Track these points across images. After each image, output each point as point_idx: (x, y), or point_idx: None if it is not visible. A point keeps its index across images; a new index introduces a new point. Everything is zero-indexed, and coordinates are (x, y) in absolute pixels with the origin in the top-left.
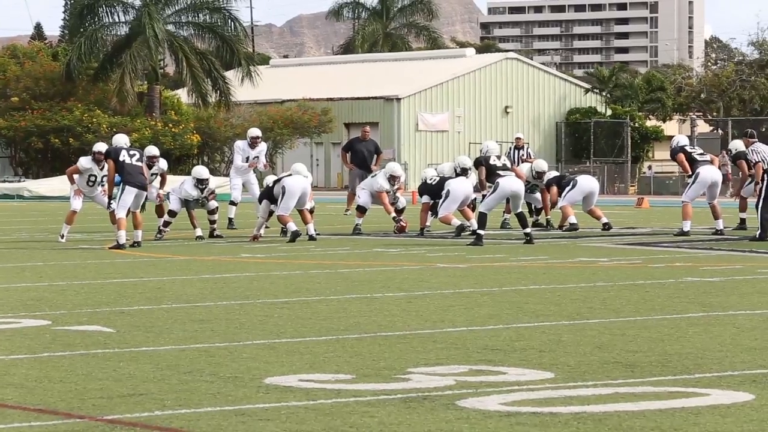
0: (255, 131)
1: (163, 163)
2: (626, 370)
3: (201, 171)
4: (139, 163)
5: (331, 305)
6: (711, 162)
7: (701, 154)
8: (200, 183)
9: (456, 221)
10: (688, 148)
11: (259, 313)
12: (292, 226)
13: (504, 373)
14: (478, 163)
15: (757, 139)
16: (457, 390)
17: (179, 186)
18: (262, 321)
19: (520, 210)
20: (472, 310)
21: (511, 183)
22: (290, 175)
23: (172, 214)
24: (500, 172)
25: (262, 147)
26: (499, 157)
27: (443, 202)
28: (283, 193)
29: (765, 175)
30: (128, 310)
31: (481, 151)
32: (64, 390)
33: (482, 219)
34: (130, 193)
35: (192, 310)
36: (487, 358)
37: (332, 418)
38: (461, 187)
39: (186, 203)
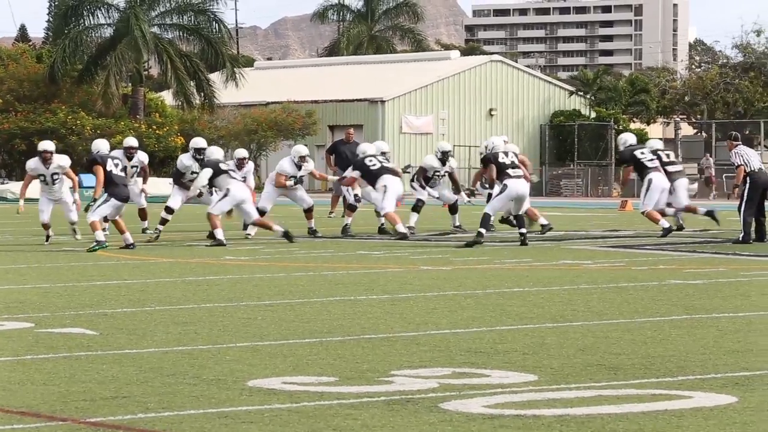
0: (242, 152)
1: (142, 156)
2: (609, 373)
3: (199, 141)
4: (123, 173)
5: (315, 308)
6: (658, 169)
7: (651, 159)
8: (198, 153)
9: (400, 226)
10: (638, 154)
11: (242, 315)
12: (218, 233)
13: (487, 375)
14: (486, 161)
15: (740, 142)
16: (440, 392)
17: (177, 162)
18: (245, 323)
19: (520, 213)
20: (456, 312)
21: (518, 186)
22: (243, 179)
23: (170, 210)
24: (509, 171)
25: (249, 167)
26: (506, 154)
27: (383, 197)
28: (225, 195)
29: (747, 178)
30: (111, 312)
31: (486, 147)
32: (47, 392)
33: (486, 219)
34: (113, 206)
35: (175, 313)
36: (471, 361)
37: (315, 421)
38: (396, 183)
39: (181, 187)
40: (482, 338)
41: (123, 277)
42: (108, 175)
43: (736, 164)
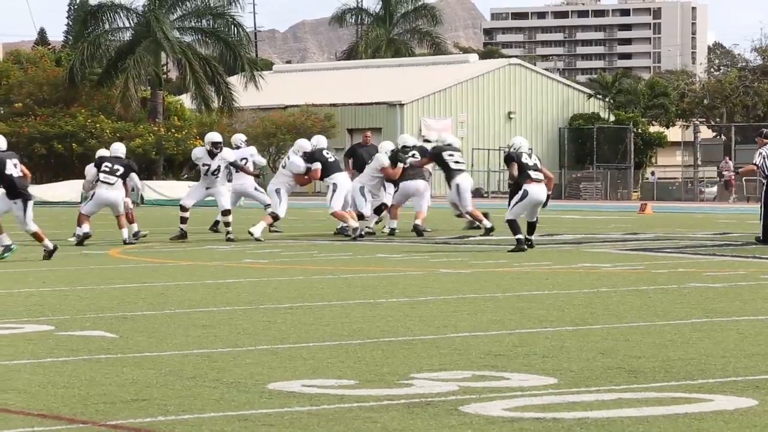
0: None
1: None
2: (629, 376)
3: (213, 135)
4: (22, 173)
5: (334, 311)
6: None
7: (536, 170)
8: (215, 146)
9: (352, 220)
10: (524, 159)
11: (262, 318)
12: (85, 228)
13: (507, 378)
14: (509, 159)
15: None
16: (460, 395)
17: (194, 153)
18: (265, 326)
19: (534, 219)
20: (476, 315)
21: (539, 192)
22: (108, 183)
23: (184, 209)
24: (531, 174)
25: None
26: (530, 155)
27: (332, 195)
28: (91, 198)
29: (766, 180)
30: (131, 315)
31: (509, 147)
32: (67, 395)
33: (513, 225)
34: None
35: (195, 316)
36: (491, 364)
37: (335, 424)
38: (347, 182)
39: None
40: (502, 341)
41: (142, 280)
42: (8, 178)
43: (753, 162)
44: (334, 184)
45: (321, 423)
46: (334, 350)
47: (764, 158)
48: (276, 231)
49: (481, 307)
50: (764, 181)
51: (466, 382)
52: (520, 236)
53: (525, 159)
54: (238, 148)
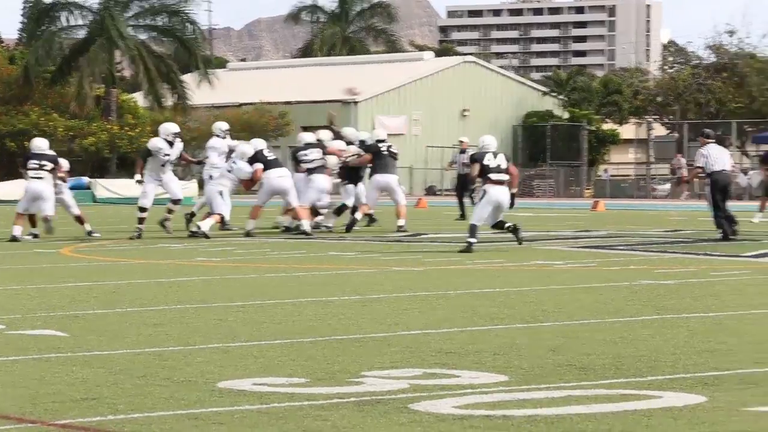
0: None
1: (62, 161)
2: (579, 373)
3: (172, 126)
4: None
5: (286, 309)
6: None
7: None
8: (176, 136)
9: (280, 218)
10: (486, 161)
11: (213, 316)
12: (15, 230)
13: (458, 376)
14: (473, 160)
15: (713, 141)
16: (410, 393)
17: (149, 143)
18: (216, 325)
19: (499, 219)
20: (427, 313)
21: (498, 194)
22: (38, 178)
23: (143, 210)
24: (492, 176)
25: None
26: (495, 155)
27: (259, 191)
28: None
29: (708, 179)
30: (82, 314)
31: (478, 146)
32: (17, 395)
33: (473, 229)
34: None
35: (146, 314)
36: (442, 362)
37: (285, 422)
38: (278, 180)
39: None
40: (453, 339)
41: (94, 278)
42: None
43: (697, 165)
44: (261, 184)
45: (271, 421)
46: (285, 348)
47: (706, 158)
48: (229, 229)
49: (432, 305)
50: (707, 180)
51: (416, 380)
52: (473, 240)
53: (488, 160)
54: (218, 137)
